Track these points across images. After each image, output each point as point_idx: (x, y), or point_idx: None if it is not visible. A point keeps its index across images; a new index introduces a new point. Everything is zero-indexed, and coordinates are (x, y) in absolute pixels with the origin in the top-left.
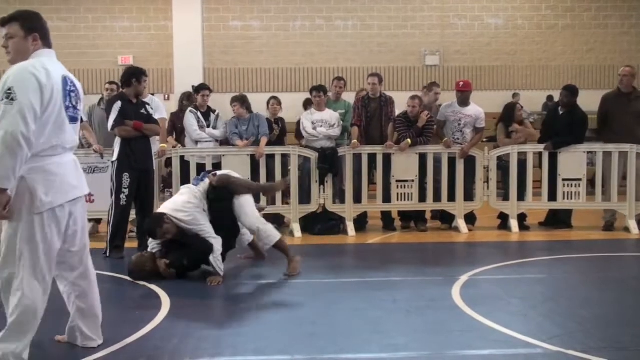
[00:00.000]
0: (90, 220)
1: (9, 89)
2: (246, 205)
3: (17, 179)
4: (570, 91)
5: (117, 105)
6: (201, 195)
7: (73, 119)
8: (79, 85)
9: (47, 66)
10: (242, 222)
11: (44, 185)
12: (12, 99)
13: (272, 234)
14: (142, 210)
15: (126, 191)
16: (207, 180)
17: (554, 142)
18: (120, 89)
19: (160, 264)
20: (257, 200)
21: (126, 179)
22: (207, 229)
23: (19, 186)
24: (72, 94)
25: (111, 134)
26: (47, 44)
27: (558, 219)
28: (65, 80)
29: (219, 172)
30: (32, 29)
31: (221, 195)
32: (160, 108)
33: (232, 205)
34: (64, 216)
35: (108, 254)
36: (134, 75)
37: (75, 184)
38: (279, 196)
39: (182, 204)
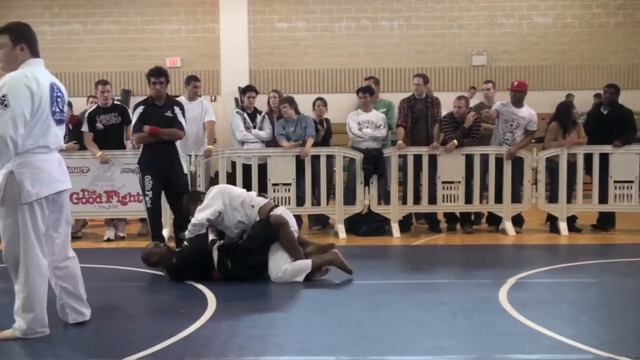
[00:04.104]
0: (142, 220)
1: (3, 96)
2: (280, 250)
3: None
4: (616, 88)
5: (138, 110)
6: (249, 202)
7: (60, 121)
8: (64, 89)
9: (37, 76)
10: (270, 264)
11: (30, 178)
12: (5, 105)
13: (303, 264)
14: (177, 210)
15: (150, 194)
16: (265, 203)
17: (622, 139)
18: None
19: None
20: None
21: (148, 181)
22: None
23: (9, 179)
24: (59, 99)
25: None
26: (34, 53)
27: (605, 220)
28: (52, 87)
29: (280, 210)
30: (20, 39)
31: (267, 232)
32: (209, 110)
33: (267, 245)
34: (48, 206)
35: None
36: (147, 77)
37: (59, 179)
38: (324, 197)
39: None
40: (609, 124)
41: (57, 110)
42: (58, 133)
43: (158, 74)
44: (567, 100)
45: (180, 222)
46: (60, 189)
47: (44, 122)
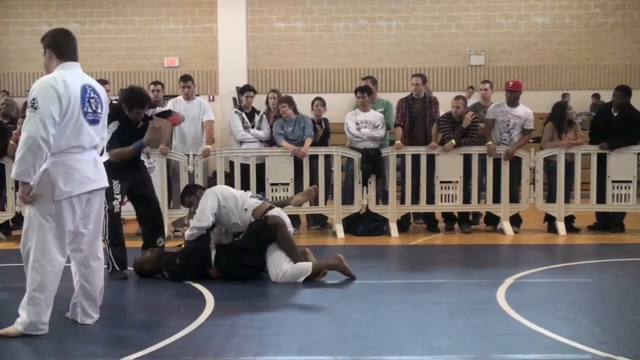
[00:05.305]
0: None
1: (33, 99)
2: (277, 251)
3: (37, 174)
4: (624, 91)
5: (114, 126)
6: (241, 205)
7: (93, 121)
8: (100, 90)
9: (66, 78)
10: (269, 265)
11: (64, 177)
12: (35, 108)
13: (304, 266)
14: (151, 217)
15: (119, 197)
16: (260, 205)
17: (611, 142)
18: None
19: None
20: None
21: (117, 184)
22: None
23: (43, 177)
24: (92, 100)
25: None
26: (68, 57)
27: (611, 222)
28: (85, 88)
29: (275, 212)
30: (47, 46)
31: (264, 232)
32: (208, 110)
33: (264, 246)
34: (80, 205)
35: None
36: (129, 105)
37: (94, 178)
38: (322, 197)
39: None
40: (618, 125)
41: (90, 110)
42: (92, 133)
43: (144, 104)
44: (562, 100)
45: (155, 233)
46: (93, 188)
47: (75, 122)
